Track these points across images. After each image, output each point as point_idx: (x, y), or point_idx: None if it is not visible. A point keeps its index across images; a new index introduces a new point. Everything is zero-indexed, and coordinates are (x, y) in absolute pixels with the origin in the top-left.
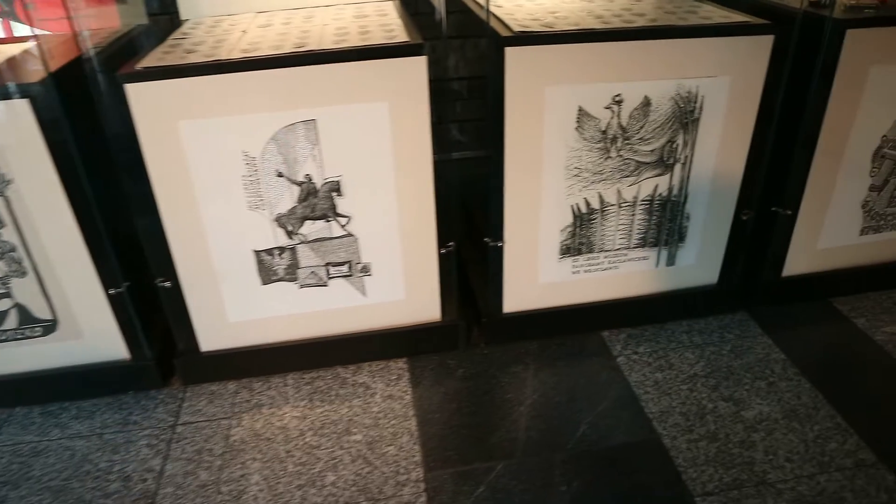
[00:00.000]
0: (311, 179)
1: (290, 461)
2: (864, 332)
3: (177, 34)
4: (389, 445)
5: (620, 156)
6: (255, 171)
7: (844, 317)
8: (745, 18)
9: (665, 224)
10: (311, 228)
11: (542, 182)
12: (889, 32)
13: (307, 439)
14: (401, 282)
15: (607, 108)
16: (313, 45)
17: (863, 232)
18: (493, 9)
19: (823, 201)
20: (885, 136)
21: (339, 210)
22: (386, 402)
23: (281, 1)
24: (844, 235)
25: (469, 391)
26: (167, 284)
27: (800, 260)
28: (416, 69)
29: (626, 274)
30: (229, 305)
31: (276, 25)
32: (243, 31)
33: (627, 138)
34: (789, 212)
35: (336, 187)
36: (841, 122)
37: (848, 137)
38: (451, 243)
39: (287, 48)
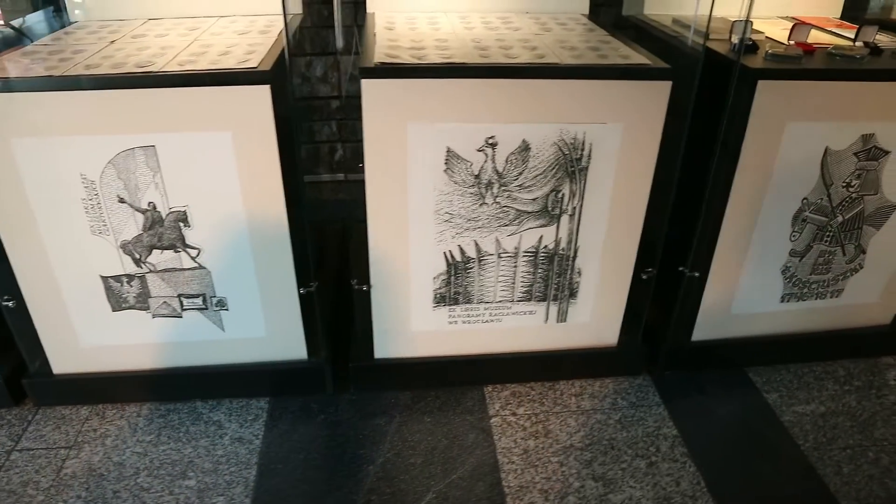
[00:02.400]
0: (155, 207)
1: (114, 503)
2: (773, 410)
3: (45, 39)
4: (220, 495)
5: (497, 203)
6: (95, 194)
7: (757, 390)
8: (643, 60)
9: (553, 278)
10: (159, 258)
11: (409, 226)
12: (807, 87)
13: (140, 479)
14: (260, 318)
15: (480, 150)
16: (160, 64)
17: (784, 299)
18: (380, 31)
19: (736, 264)
20: (805, 198)
21: (189, 241)
22: (233, 444)
23: (186, 8)
24: (762, 302)
25: (323, 441)
26: (10, 304)
27: (711, 325)
28: (259, 99)
29: (510, 328)
30: (80, 329)
31: (150, 37)
32: (111, 42)
33: (505, 184)
34: (696, 274)
35: (183, 217)
36: (755, 180)
37: (763, 198)
38: (312, 283)
39: (129, 66)
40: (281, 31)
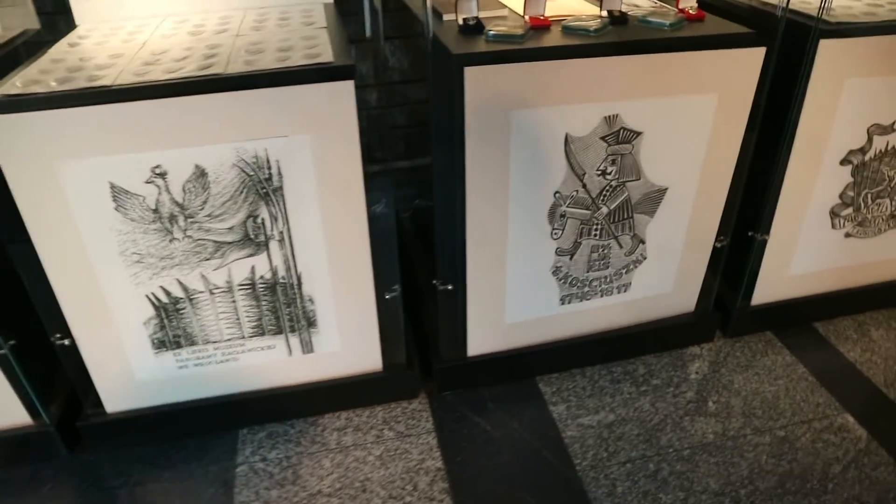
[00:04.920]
0: None
1: None
2: (557, 426)
3: None
4: None
5: (189, 236)
6: None
7: (544, 402)
8: (329, 59)
9: (282, 309)
10: None
11: (95, 271)
12: (528, 69)
13: None
14: None
15: (149, 182)
16: None
17: (564, 301)
18: (57, 48)
19: (497, 270)
20: (558, 192)
21: None
22: None
23: None
24: (539, 306)
25: None
26: None
27: (486, 337)
28: None
29: (252, 366)
30: None
31: None
32: None
33: (191, 216)
34: (449, 286)
35: None
36: (490, 179)
37: (508, 197)
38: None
39: None
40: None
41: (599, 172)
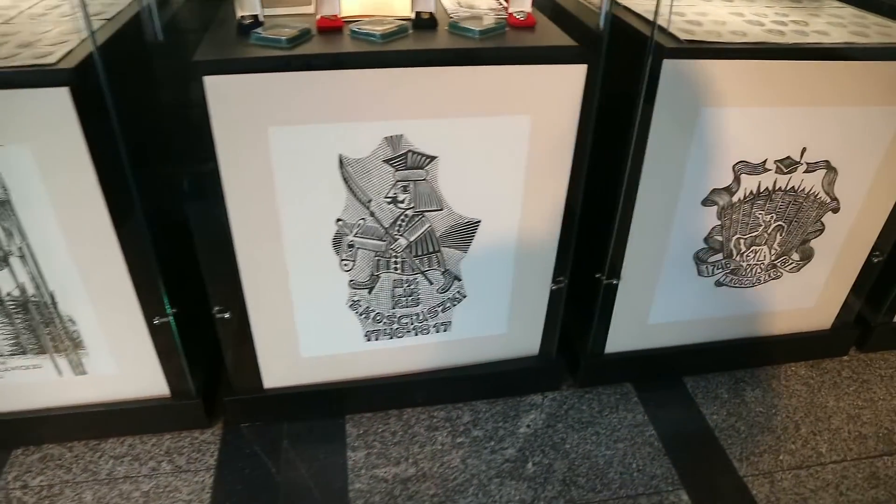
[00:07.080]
0: None
1: None
2: (347, 475)
3: None
4: None
5: None
6: None
7: (344, 445)
8: (52, 60)
9: (41, 329)
10: None
11: None
12: (290, 80)
13: None
14: None
15: None
16: None
17: (369, 337)
18: None
19: (283, 300)
20: (340, 219)
21: None
22: None
23: None
24: (340, 341)
25: None
26: None
27: (281, 371)
28: None
29: (19, 384)
30: None
31: None
32: None
33: None
34: (227, 315)
35: None
36: (259, 200)
37: (279, 222)
38: None
39: None
40: None
41: (389, 200)
